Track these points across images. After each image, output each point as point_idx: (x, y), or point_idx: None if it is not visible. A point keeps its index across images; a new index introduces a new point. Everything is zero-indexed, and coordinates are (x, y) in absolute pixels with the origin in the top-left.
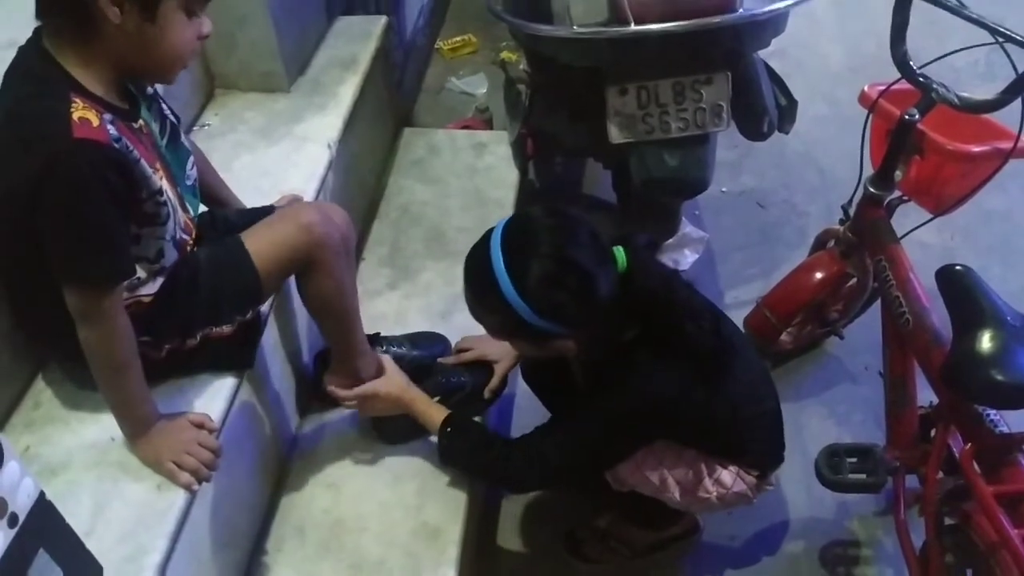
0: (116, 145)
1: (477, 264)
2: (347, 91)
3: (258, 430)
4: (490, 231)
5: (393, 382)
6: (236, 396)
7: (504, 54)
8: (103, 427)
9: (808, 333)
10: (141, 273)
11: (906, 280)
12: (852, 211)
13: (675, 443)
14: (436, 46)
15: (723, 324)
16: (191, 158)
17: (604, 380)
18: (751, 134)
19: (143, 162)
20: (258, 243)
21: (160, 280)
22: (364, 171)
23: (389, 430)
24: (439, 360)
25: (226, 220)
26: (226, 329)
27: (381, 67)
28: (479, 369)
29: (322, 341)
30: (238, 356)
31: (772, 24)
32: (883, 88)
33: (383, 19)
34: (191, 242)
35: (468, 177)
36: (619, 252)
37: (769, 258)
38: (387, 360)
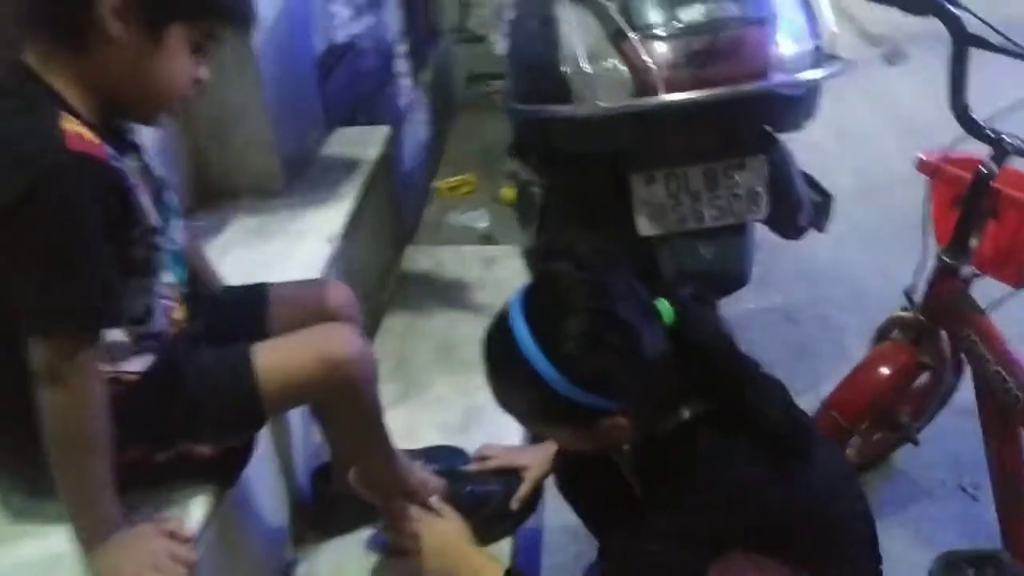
0: (115, 164)
1: (497, 338)
2: (349, 190)
3: (241, 555)
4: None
5: (454, 526)
6: (215, 510)
7: (504, 190)
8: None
9: (877, 442)
10: (122, 336)
11: (1004, 352)
12: (917, 296)
13: (755, 553)
14: (433, 186)
15: (793, 403)
16: (179, 222)
17: (667, 473)
18: (786, 230)
19: (139, 193)
20: (271, 361)
21: (147, 357)
22: (367, 280)
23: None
24: (459, 468)
25: (213, 300)
26: (206, 450)
27: (384, 175)
28: (507, 478)
29: (320, 454)
30: (216, 475)
31: (804, 104)
32: (943, 153)
33: (385, 128)
34: (178, 317)
35: (479, 289)
36: (663, 305)
37: (809, 375)
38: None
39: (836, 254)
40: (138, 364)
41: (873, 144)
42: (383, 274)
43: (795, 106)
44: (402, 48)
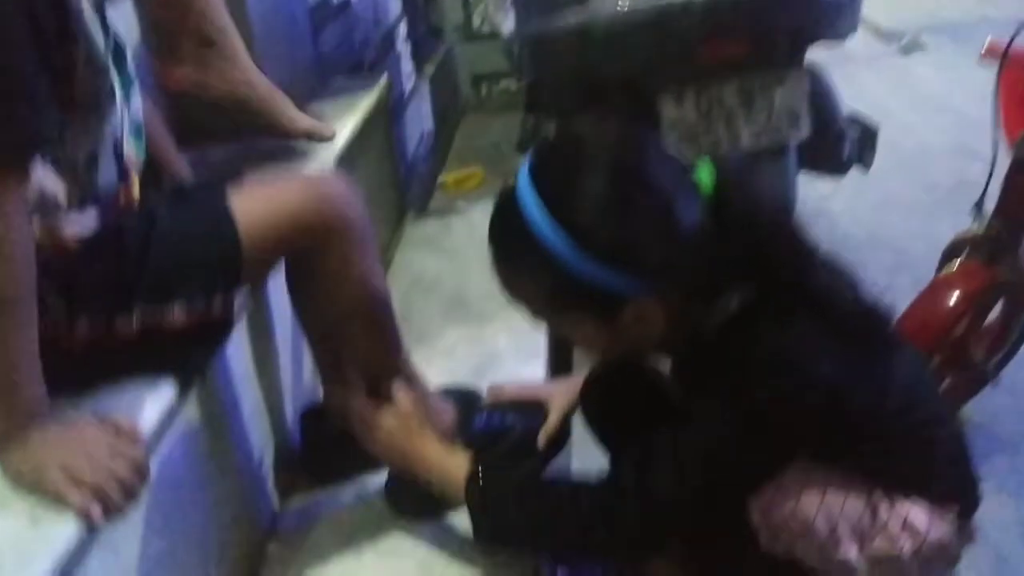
0: None
1: (502, 212)
2: (344, 126)
3: (217, 508)
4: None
5: (401, 416)
6: (179, 409)
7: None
8: None
9: (948, 390)
10: (58, 190)
11: None
12: (985, 213)
13: (822, 464)
14: (439, 181)
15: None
16: (136, 89)
17: (717, 376)
18: (828, 164)
19: (83, 10)
20: (250, 202)
21: (90, 217)
22: None
23: (407, 498)
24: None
25: (177, 191)
26: (178, 315)
27: (383, 122)
28: (528, 410)
29: (311, 396)
30: (188, 355)
31: (846, 9)
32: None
33: (383, 75)
34: (134, 195)
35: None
36: (704, 170)
37: None
38: (408, 398)
39: (876, 221)
40: (79, 226)
41: (900, 121)
42: (386, 232)
43: (835, 9)
44: (403, 27)
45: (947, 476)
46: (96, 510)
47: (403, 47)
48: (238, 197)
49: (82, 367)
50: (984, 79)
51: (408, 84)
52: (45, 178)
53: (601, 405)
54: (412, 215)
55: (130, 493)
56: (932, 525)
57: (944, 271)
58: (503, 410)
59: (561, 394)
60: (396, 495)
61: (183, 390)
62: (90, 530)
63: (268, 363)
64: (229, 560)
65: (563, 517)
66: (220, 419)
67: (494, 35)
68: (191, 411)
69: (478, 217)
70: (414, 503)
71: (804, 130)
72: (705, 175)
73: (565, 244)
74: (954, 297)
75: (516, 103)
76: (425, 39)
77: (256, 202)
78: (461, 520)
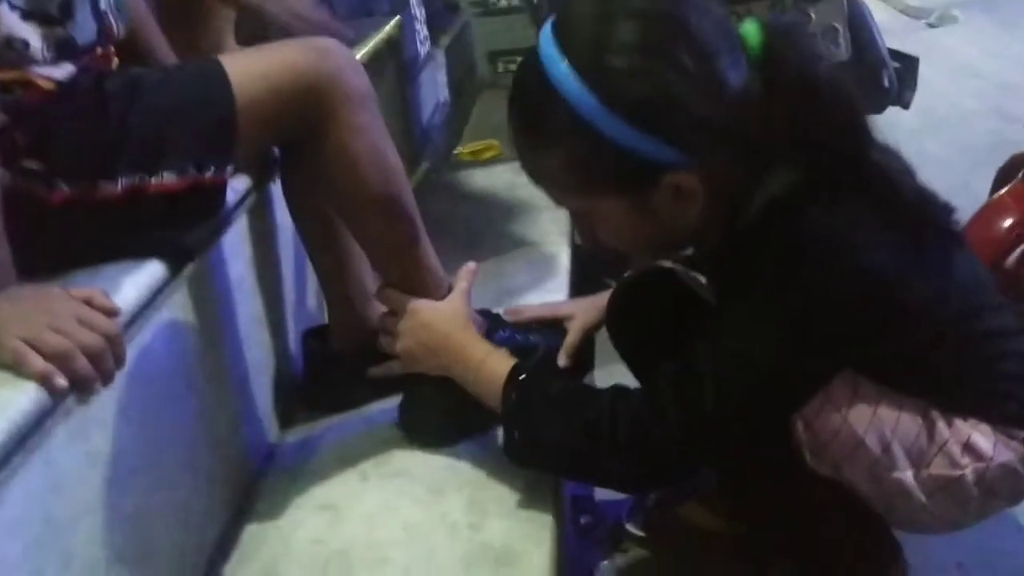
0: None
1: (523, 74)
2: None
3: (206, 390)
4: None
5: (453, 309)
6: (165, 294)
7: None
8: None
9: None
10: (29, 36)
11: None
12: None
13: (873, 379)
14: (455, 152)
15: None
16: None
17: (760, 269)
18: (868, 94)
19: None
20: (245, 61)
21: (68, 70)
22: None
23: (424, 422)
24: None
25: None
26: (167, 180)
27: (395, 70)
28: (550, 329)
29: (315, 315)
30: (177, 227)
31: None
32: None
33: (395, 17)
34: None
35: (509, 191)
36: (751, 28)
37: None
38: (460, 289)
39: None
40: (54, 71)
41: (932, 87)
42: None
43: None
44: None
45: (1015, 397)
46: (60, 379)
47: (417, 10)
48: (232, 59)
49: (60, 236)
50: (1018, 46)
51: (423, 49)
52: (11, 23)
53: (629, 320)
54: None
55: (101, 368)
56: (997, 450)
57: (997, 193)
58: (525, 328)
59: (583, 312)
60: (412, 418)
61: (172, 271)
62: (52, 397)
63: (269, 272)
64: (219, 485)
65: (589, 423)
66: (212, 319)
67: (511, 10)
68: (178, 300)
69: (497, 170)
70: (431, 427)
71: (844, 50)
72: (752, 33)
73: (592, 103)
74: (1008, 221)
75: None
76: (440, 11)
77: (252, 62)
78: (476, 446)
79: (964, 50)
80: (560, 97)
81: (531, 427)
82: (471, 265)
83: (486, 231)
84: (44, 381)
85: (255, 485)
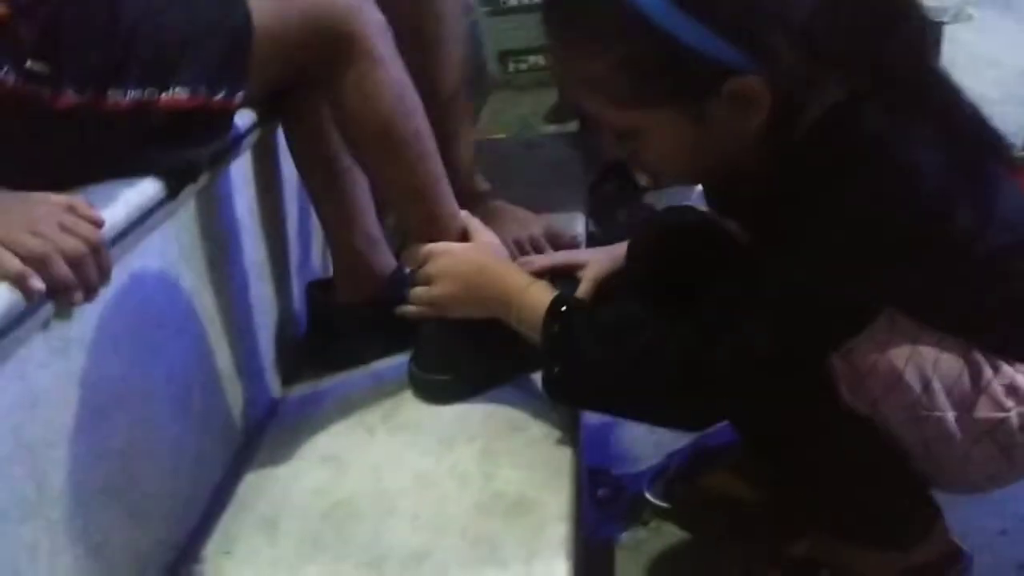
0: None
1: None
2: None
3: (203, 327)
4: None
5: (481, 242)
6: (160, 216)
7: None
8: None
9: None
10: None
11: None
12: None
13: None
14: None
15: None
16: None
17: (807, 183)
18: None
19: None
20: None
21: None
22: None
23: (442, 383)
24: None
25: None
26: (179, 95)
27: None
28: (562, 280)
29: (318, 271)
30: (182, 144)
31: None
32: None
33: None
34: None
35: (523, 166)
36: None
37: None
38: (476, 223)
39: None
40: None
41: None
42: None
43: None
44: None
45: None
46: (36, 281)
47: None
48: None
49: (61, 144)
50: None
51: None
52: None
53: (654, 266)
54: None
55: (82, 277)
56: None
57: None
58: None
59: (596, 261)
60: (424, 371)
61: (171, 192)
62: (28, 301)
63: (272, 219)
64: (215, 434)
65: (640, 352)
66: (211, 255)
67: (522, 8)
68: (175, 228)
69: (507, 142)
70: (444, 383)
71: None
72: None
73: None
74: None
75: (546, 80)
76: None
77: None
78: (489, 400)
79: (981, 43)
80: None
81: (575, 358)
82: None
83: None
84: (19, 282)
85: (255, 438)
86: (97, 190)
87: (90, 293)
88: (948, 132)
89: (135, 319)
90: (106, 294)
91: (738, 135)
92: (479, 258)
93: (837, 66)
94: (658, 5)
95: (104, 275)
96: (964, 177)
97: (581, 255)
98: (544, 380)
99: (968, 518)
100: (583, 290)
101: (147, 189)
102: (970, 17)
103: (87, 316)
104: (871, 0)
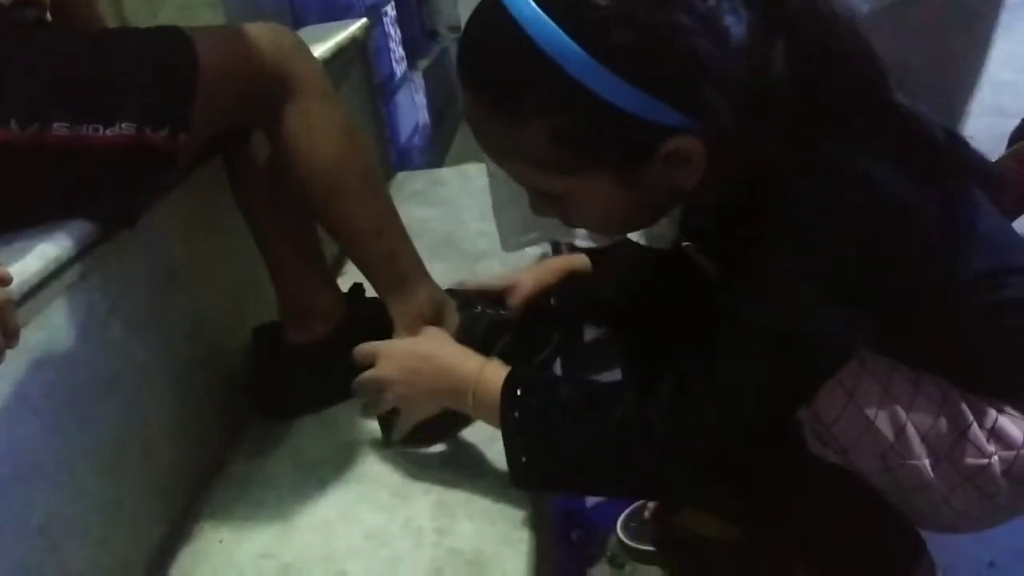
0: None
1: (482, 21)
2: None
3: (133, 387)
4: None
5: (427, 331)
6: (85, 266)
7: None
8: None
9: None
10: None
11: None
12: None
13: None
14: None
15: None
16: None
17: (766, 219)
18: None
19: None
20: (208, 31)
21: None
22: None
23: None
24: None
25: None
26: (124, 129)
27: (360, 65)
28: (496, 302)
29: (266, 310)
30: (116, 188)
31: None
32: None
33: (362, 20)
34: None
35: (484, 196)
36: None
37: None
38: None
39: None
40: None
41: None
42: None
43: None
44: (391, 9)
45: None
46: None
47: (391, 28)
48: (195, 28)
49: None
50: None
51: (398, 68)
52: None
53: (621, 291)
54: (401, 176)
55: None
56: None
57: (1014, 148)
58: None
59: (530, 278)
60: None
61: (102, 236)
62: None
63: (212, 263)
64: (152, 497)
65: (610, 428)
66: (141, 307)
67: None
68: (103, 275)
69: (473, 171)
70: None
71: None
72: None
73: (583, 59)
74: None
75: None
76: (419, 38)
77: (215, 31)
78: (444, 445)
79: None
80: (542, 57)
81: (543, 443)
82: None
83: (459, 233)
84: None
85: (196, 499)
86: (11, 240)
87: None
88: (910, 156)
89: (55, 380)
90: (20, 355)
91: (673, 192)
92: (422, 350)
93: (778, 113)
94: (594, 70)
95: (9, 335)
96: (934, 197)
97: (509, 277)
98: (511, 469)
99: (956, 550)
100: (515, 300)
101: (66, 239)
102: None
103: None
104: (808, 42)
